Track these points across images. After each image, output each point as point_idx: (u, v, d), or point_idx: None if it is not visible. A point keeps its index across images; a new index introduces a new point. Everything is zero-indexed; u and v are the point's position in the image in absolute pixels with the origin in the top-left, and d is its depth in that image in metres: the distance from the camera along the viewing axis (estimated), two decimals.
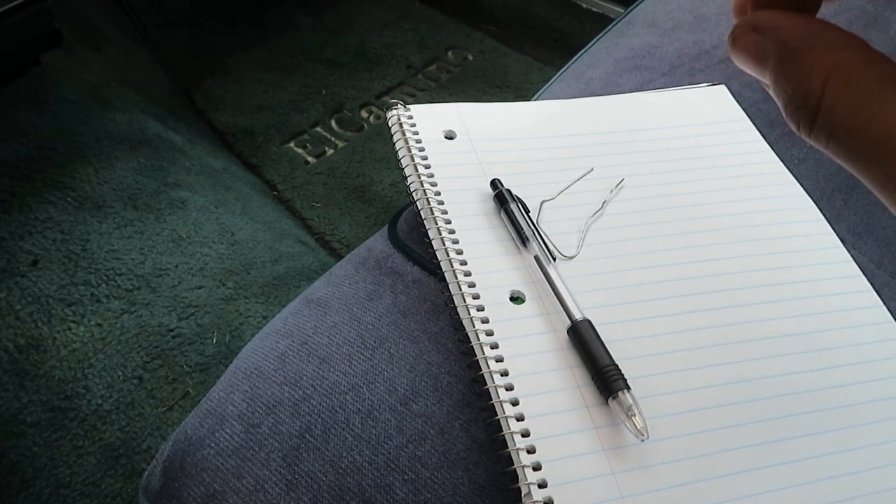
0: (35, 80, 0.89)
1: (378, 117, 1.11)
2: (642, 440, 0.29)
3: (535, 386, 0.31)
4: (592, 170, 0.41)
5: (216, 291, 0.77)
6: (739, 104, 0.46)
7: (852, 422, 0.33)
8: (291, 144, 1.06)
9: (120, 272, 0.76)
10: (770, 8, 0.22)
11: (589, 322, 0.33)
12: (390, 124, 0.41)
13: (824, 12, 0.22)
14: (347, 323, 0.36)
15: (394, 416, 0.33)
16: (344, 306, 0.37)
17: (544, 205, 0.39)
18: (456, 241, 0.36)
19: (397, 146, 0.40)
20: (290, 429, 0.33)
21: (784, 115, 0.22)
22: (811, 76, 0.20)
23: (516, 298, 0.34)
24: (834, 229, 0.40)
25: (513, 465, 0.29)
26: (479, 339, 0.32)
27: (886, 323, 0.37)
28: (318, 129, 1.09)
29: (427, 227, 0.37)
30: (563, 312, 0.33)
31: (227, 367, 0.38)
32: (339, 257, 0.88)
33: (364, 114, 1.11)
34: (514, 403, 0.31)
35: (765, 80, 0.22)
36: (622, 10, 0.62)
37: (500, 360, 0.32)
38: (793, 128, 0.21)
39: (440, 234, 0.36)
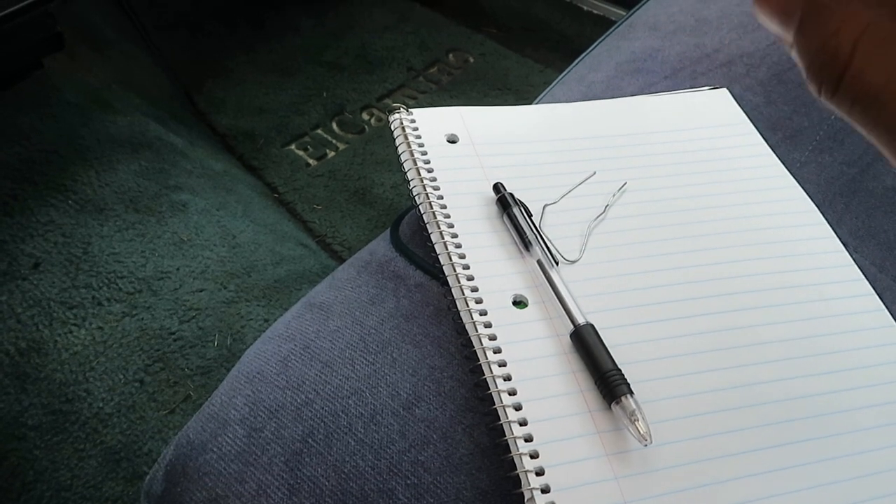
0: (37, 83, 0.89)
1: (379, 119, 1.11)
2: (645, 445, 0.29)
3: (537, 390, 0.31)
4: (595, 173, 0.41)
5: (217, 294, 0.77)
6: (741, 107, 0.46)
7: (855, 426, 0.33)
8: (292, 147, 1.07)
9: (121, 275, 0.76)
10: None
11: (592, 326, 0.33)
12: (392, 128, 0.41)
13: None
14: (350, 327, 0.36)
15: (396, 421, 0.33)
16: (346, 310, 0.37)
17: (547, 209, 0.39)
18: (458, 245, 0.36)
19: (400, 150, 0.40)
20: (293, 433, 0.33)
21: (805, 76, 0.20)
22: (840, 34, 0.18)
23: (519, 303, 0.34)
24: (836, 233, 0.40)
25: (516, 469, 0.29)
26: (481, 344, 0.32)
27: (888, 327, 0.37)
28: (319, 131, 1.09)
29: (429, 231, 0.37)
30: (566, 316, 0.33)
31: (228, 370, 0.38)
32: (341, 260, 0.88)
33: (365, 116, 1.11)
34: (517, 408, 0.31)
35: (788, 38, 0.20)
36: (624, 13, 0.62)
37: (502, 364, 0.32)
38: (812, 90, 0.20)
39: (442, 238, 0.36)
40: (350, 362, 0.35)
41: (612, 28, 0.59)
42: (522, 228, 0.36)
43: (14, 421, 0.65)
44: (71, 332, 0.71)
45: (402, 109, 0.42)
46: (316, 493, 0.31)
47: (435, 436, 0.32)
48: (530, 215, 0.37)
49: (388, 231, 0.41)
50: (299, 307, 0.39)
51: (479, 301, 0.34)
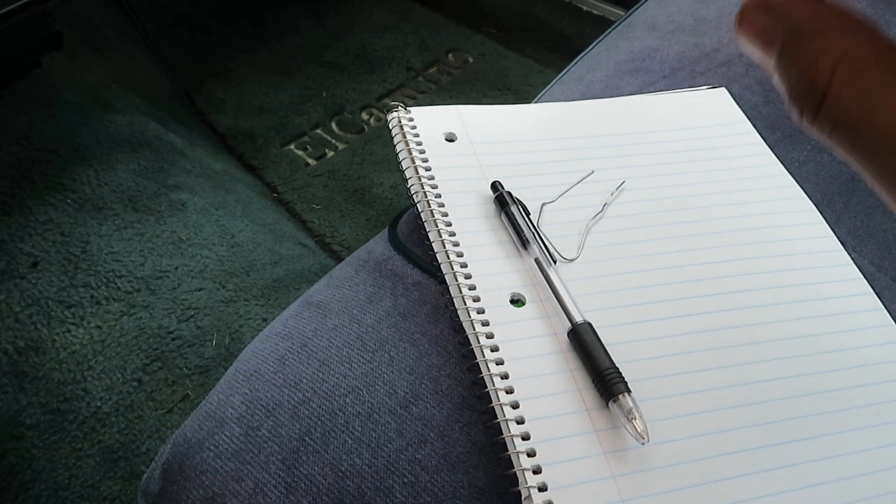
0: (36, 83, 0.89)
1: (378, 119, 1.11)
2: (643, 443, 0.29)
3: (535, 389, 0.31)
4: (593, 172, 0.41)
5: (216, 294, 0.77)
6: (740, 107, 0.46)
7: (852, 425, 0.32)
8: (292, 146, 1.07)
9: (120, 274, 0.76)
10: None
11: (589, 325, 0.33)
12: (391, 126, 0.41)
13: None
14: (347, 325, 0.36)
15: (394, 419, 0.32)
16: (344, 309, 0.37)
17: (545, 207, 0.39)
18: (456, 244, 0.36)
19: (398, 148, 0.40)
20: (290, 431, 0.33)
21: (786, 101, 0.21)
22: (819, 61, 0.19)
23: (517, 301, 0.34)
24: (834, 232, 0.40)
25: (513, 468, 0.29)
26: (479, 342, 0.32)
27: (886, 326, 0.37)
28: (319, 131, 1.09)
29: (427, 230, 0.37)
30: (564, 315, 0.33)
31: (226, 369, 0.38)
32: (340, 259, 0.88)
33: (364, 116, 1.11)
34: (515, 406, 0.30)
35: (769, 63, 0.21)
36: (623, 13, 0.62)
37: (500, 362, 0.32)
38: (794, 116, 0.21)
39: (440, 237, 0.36)
40: (347, 360, 0.35)
41: (611, 28, 0.59)
42: (520, 227, 0.36)
43: (12, 420, 0.65)
44: (69, 331, 0.71)
45: (400, 108, 0.42)
46: (313, 491, 0.31)
47: (432, 434, 0.32)
48: (528, 214, 0.37)
49: (386, 229, 0.41)
50: (297, 305, 0.39)
51: (476, 299, 0.34)
